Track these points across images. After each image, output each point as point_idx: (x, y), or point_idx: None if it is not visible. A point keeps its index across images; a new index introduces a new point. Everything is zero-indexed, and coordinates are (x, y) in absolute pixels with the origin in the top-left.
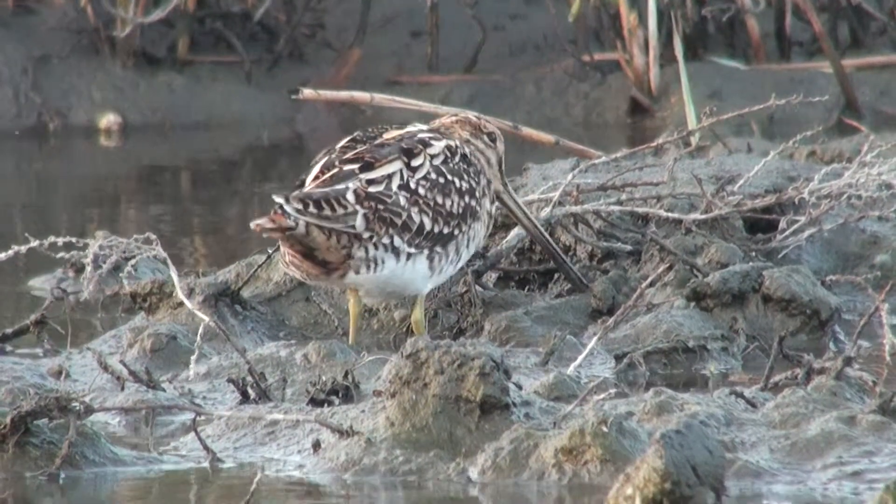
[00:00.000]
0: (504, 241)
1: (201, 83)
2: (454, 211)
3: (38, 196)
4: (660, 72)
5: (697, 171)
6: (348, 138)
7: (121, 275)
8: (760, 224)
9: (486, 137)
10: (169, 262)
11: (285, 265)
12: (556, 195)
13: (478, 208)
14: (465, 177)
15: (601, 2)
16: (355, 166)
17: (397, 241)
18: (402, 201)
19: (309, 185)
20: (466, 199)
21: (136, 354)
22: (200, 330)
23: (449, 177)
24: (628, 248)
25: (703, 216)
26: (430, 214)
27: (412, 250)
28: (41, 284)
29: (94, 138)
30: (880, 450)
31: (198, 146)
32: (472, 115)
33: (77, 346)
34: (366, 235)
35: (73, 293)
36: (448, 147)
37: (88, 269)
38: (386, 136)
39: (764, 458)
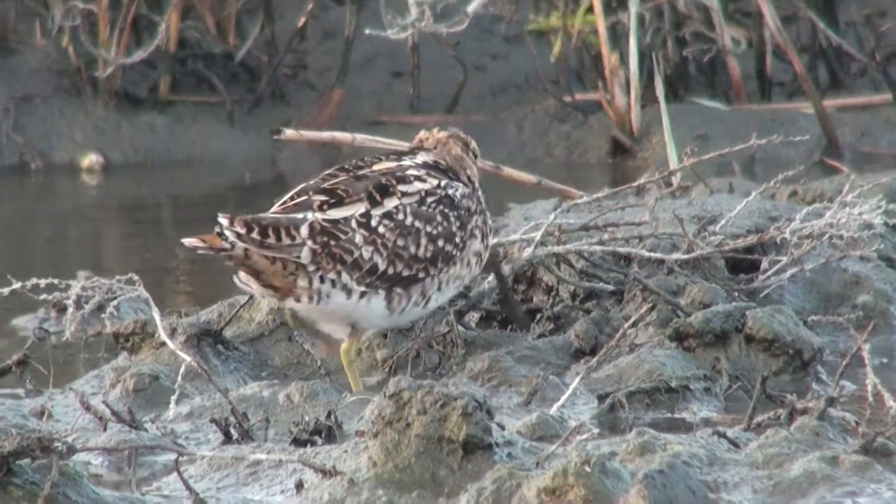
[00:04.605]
0: (486, 282)
1: (183, 123)
2: (419, 255)
3: (21, 235)
4: (641, 112)
5: (679, 212)
6: (337, 167)
7: (103, 315)
8: (743, 264)
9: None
10: (151, 302)
11: (240, 282)
12: (538, 235)
13: (455, 252)
14: (441, 220)
15: (583, 42)
16: (324, 198)
17: (345, 277)
18: (358, 239)
19: (274, 209)
20: (440, 243)
21: (119, 394)
22: (182, 370)
23: (417, 220)
24: (610, 287)
25: (686, 256)
26: (385, 255)
27: (361, 288)
28: (24, 324)
29: (76, 178)
30: (863, 490)
31: (180, 186)
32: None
33: (60, 386)
34: (311, 268)
35: (55, 333)
36: (428, 190)
37: (70, 310)
38: (376, 166)
39: (747, 499)
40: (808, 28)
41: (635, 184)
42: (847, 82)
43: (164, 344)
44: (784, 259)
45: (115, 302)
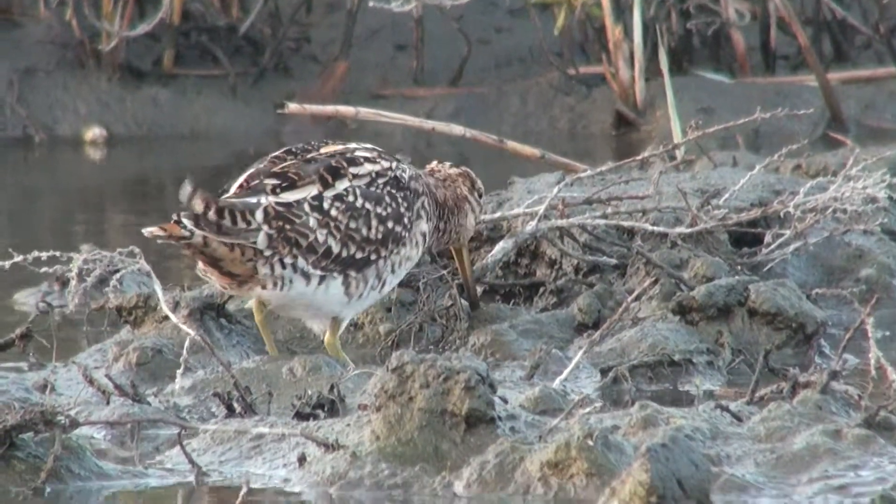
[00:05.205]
0: (489, 255)
1: (186, 96)
2: (371, 236)
3: (24, 208)
4: (645, 85)
5: (683, 185)
6: (283, 150)
7: (106, 289)
8: (746, 238)
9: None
10: (153, 275)
11: (201, 272)
12: (541, 209)
13: (404, 233)
14: (390, 201)
15: (586, 15)
16: (276, 182)
17: (301, 262)
18: (312, 223)
19: (229, 194)
20: (390, 224)
21: (122, 368)
22: (186, 344)
23: (367, 202)
24: (614, 261)
25: (689, 230)
26: (339, 237)
27: (318, 272)
28: (26, 298)
29: (79, 151)
30: (866, 463)
31: (183, 159)
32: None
33: (62, 359)
34: (268, 253)
35: (58, 307)
36: (378, 171)
37: (73, 283)
38: (323, 150)
39: (749, 472)
40: (813, 1)
41: (639, 157)
42: (851, 55)
43: (166, 317)
44: (787, 233)
45: (117, 275)
